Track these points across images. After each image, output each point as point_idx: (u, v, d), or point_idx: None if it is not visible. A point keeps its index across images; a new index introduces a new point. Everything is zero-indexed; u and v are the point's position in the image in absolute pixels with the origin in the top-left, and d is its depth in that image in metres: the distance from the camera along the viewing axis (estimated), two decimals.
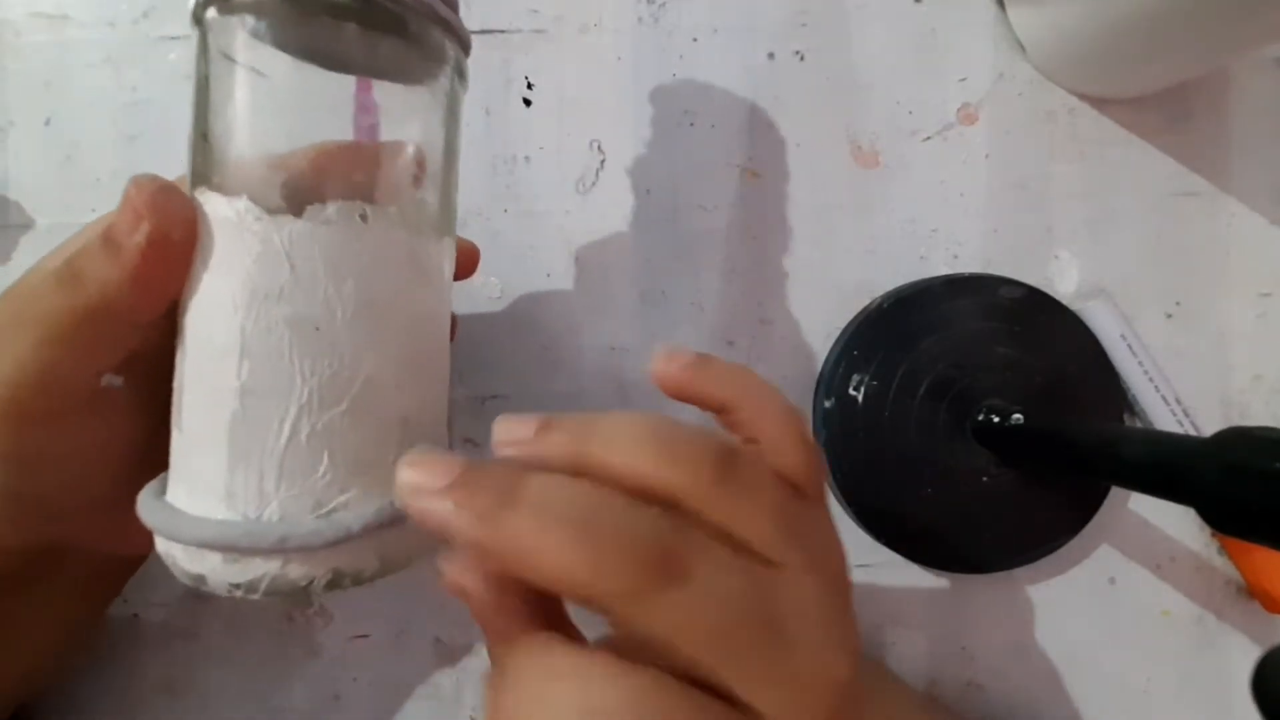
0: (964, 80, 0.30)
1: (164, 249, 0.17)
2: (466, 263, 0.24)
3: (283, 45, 0.17)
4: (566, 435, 0.15)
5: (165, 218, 0.17)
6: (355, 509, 0.17)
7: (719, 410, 0.18)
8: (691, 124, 0.30)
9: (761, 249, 0.30)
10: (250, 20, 0.17)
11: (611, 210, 0.30)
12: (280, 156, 0.18)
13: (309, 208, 0.17)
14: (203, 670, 0.28)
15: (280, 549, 0.16)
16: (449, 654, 0.29)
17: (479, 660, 0.29)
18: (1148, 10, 0.25)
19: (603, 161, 0.30)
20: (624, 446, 0.15)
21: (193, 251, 0.17)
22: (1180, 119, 0.31)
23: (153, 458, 0.20)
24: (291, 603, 0.18)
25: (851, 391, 0.28)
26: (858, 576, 0.30)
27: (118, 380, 0.19)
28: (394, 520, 0.17)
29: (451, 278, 0.21)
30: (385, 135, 0.19)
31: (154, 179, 0.17)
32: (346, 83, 0.18)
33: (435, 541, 0.16)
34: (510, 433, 0.16)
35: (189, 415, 0.17)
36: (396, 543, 0.18)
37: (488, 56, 0.29)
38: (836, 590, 0.17)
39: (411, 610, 0.29)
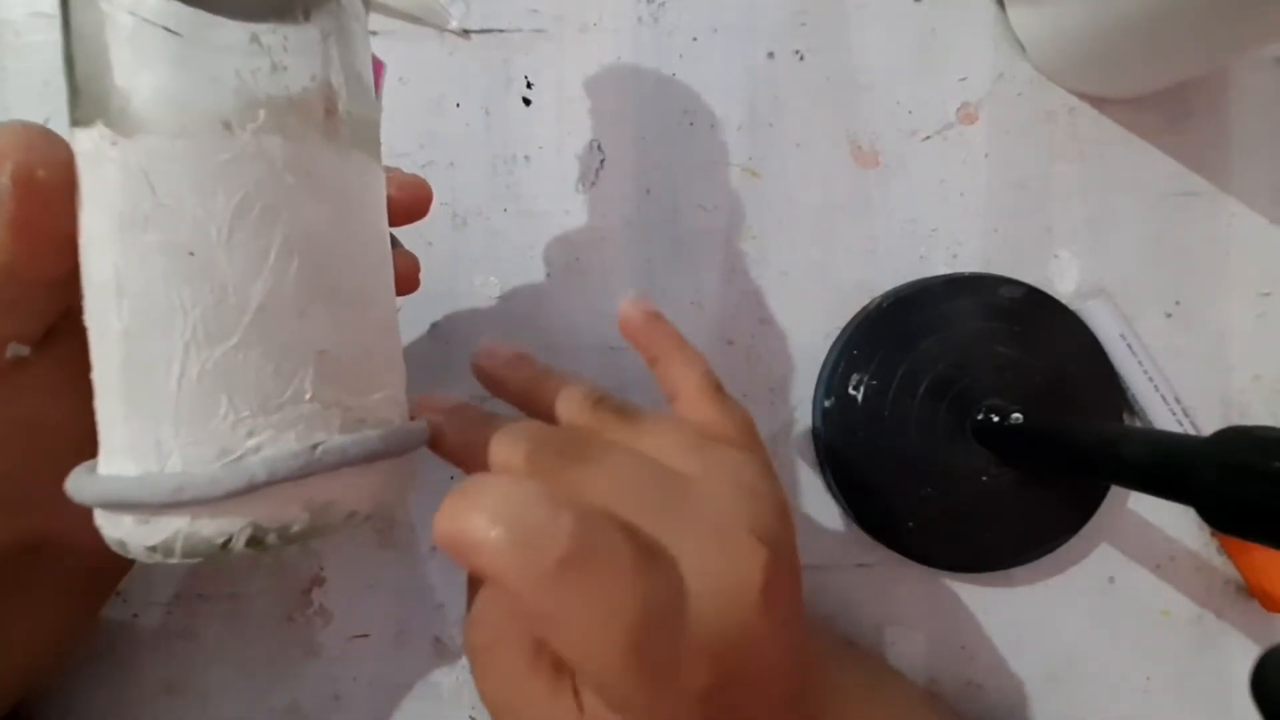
0: (964, 80, 0.30)
1: (36, 190, 0.15)
2: (416, 202, 0.22)
3: None
4: (526, 377, 0.23)
5: (30, 153, 0.15)
6: (268, 453, 0.15)
7: (650, 363, 0.22)
8: (691, 124, 0.30)
9: (761, 249, 0.30)
10: None
11: (611, 210, 0.30)
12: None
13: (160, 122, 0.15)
14: (203, 670, 0.28)
15: (179, 501, 0.15)
16: (449, 654, 0.29)
17: None
18: (1148, 10, 0.25)
19: (603, 161, 0.30)
20: (563, 399, 0.21)
21: (65, 192, 0.16)
22: (1180, 119, 0.31)
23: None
24: (216, 562, 0.16)
25: (851, 391, 0.28)
26: (858, 576, 0.30)
27: (24, 349, 0.18)
28: (316, 467, 0.16)
29: (380, 202, 0.19)
30: (286, 80, 0.16)
31: (23, 121, 0.16)
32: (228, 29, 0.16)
33: (375, 498, 0.17)
34: (491, 354, 0.23)
35: (95, 371, 0.16)
36: (327, 492, 0.16)
37: (488, 56, 0.29)
38: (754, 494, 0.19)
39: (411, 610, 0.29)
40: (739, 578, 0.17)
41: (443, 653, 0.29)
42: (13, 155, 0.15)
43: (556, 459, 0.18)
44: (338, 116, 0.17)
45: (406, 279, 0.23)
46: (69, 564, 0.23)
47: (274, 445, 0.15)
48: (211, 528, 0.15)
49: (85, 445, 0.18)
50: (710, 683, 0.16)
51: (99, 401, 0.16)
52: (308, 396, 0.15)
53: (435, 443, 0.20)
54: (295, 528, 0.16)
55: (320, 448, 0.16)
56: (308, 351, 0.16)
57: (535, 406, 0.22)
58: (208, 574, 0.28)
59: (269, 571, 0.29)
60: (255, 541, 0.15)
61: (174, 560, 0.15)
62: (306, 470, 0.15)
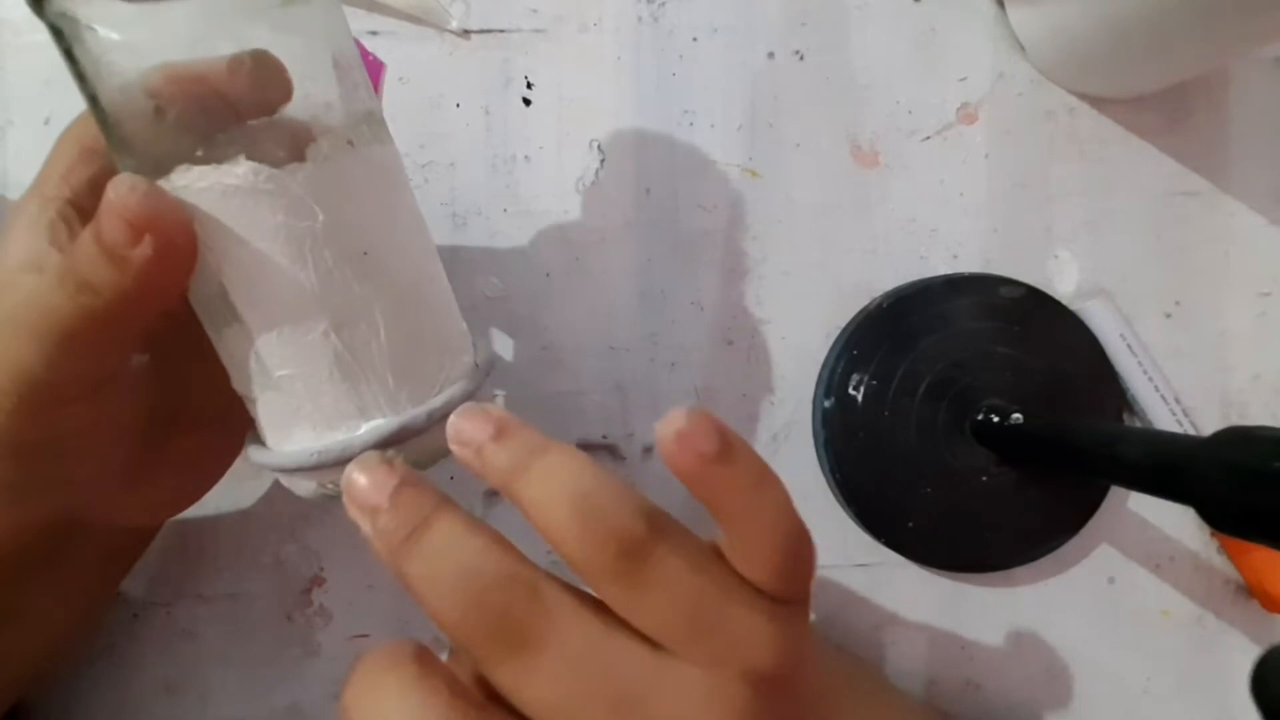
0: (964, 80, 0.30)
1: (169, 253, 0.17)
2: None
3: None
4: (508, 457, 0.16)
5: (166, 226, 0.16)
6: (460, 382, 0.20)
7: (716, 514, 0.17)
8: (691, 124, 0.30)
9: (761, 249, 0.30)
10: None
11: (611, 210, 0.30)
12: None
13: (308, 149, 0.17)
14: (203, 670, 0.28)
15: (430, 421, 0.19)
16: (449, 654, 0.29)
17: None
18: (1148, 10, 0.25)
19: (603, 161, 0.30)
20: (548, 498, 0.16)
21: (194, 246, 0.17)
22: (1180, 119, 0.31)
23: (155, 426, 0.21)
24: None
25: (851, 391, 0.28)
26: (858, 576, 0.30)
27: (144, 359, 0.20)
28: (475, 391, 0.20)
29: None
30: (360, 94, 0.19)
31: (133, 181, 0.16)
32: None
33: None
34: (465, 431, 0.16)
35: (283, 374, 0.18)
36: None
37: (488, 56, 0.29)
38: (752, 692, 0.15)
39: (411, 610, 0.29)
40: None
41: (442, 653, 0.29)
42: (150, 228, 0.16)
43: (490, 642, 0.15)
44: (379, 117, 0.20)
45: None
46: (95, 542, 0.23)
47: (453, 387, 0.20)
48: (440, 440, 0.18)
49: (137, 435, 0.21)
50: None
51: (297, 396, 0.19)
52: (460, 331, 0.20)
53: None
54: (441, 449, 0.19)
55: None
56: (446, 307, 0.21)
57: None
58: (208, 574, 0.28)
59: (269, 571, 0.29)
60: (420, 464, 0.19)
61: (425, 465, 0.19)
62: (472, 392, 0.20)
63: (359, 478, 0.16)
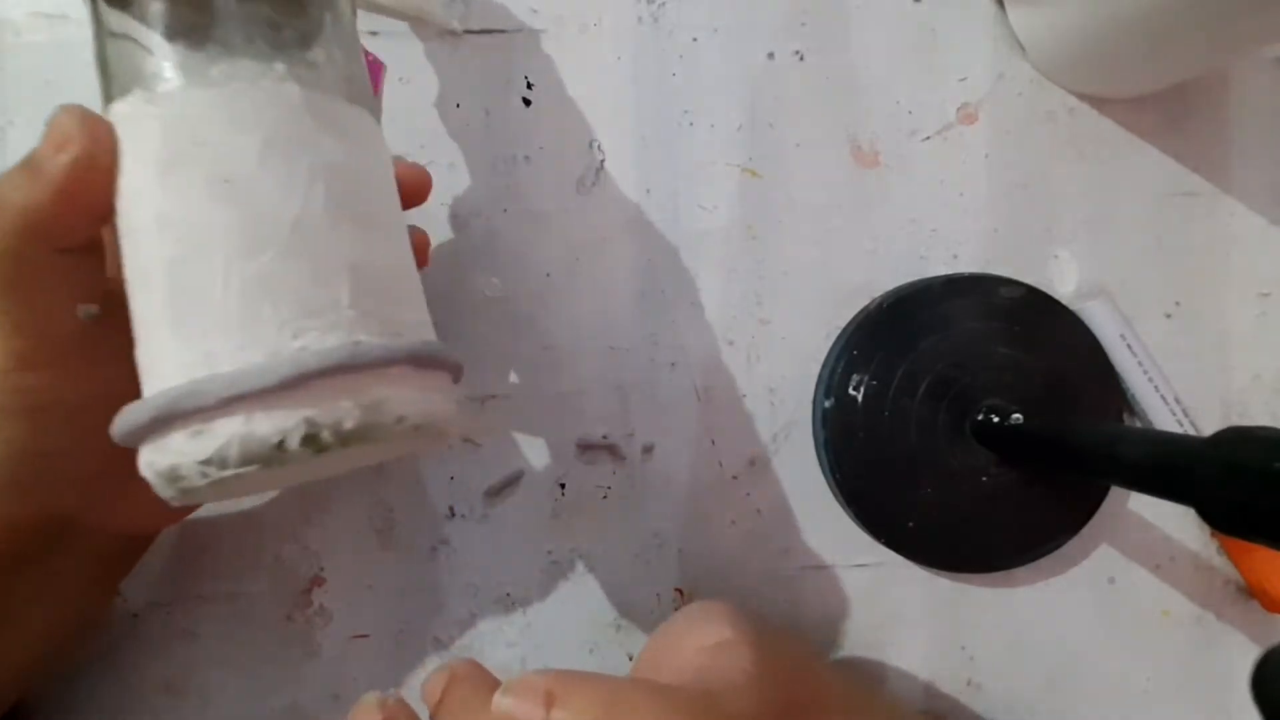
0: (964, 80, 0.30)
1: (88, 169, 0.17)
2: (417, 187, 0.24)
3: None
4: None
5: (93, 141, 0.17)
6: (314, 348, 0.16)
7: None
8: (691, 124, 0.30)
9: (761, 249, 0.30)
10: None
11: (611, 210, 0.30)
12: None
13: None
14: (203, 670, 0.28)
15: (234, 395, 0.15)
16: (449, 654, 0.29)
17: (479, 660, 0.29)
18: (1148, 10, 0.25)
19: (603, 161, 0.30)
20: None
21: (115, 173, 0.17)
22: (1180, 119, 0.31)
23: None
24: (273, 469, 0.16)
25: (851, 391, 0.28)
26: (858, 576, 0.30)
27: (93, 309, 0.20)
28: (361, 359, 0.16)
29: (385, 156, 0.21)
30: (297, 41, 0.19)
31: (82, 108, 0.17)
32: None
33: (422, 406, 0.18)
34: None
35: (138, 314, 0.17)
36: (375, 390, 0.17)
37: (488, 56, 0.29)
38: None
39: (411, 610, 0.29)
40: None
41: (443, 653, 0.29)
42: (80, 139, 0.17)
43: None
44: (339, 73, 0.19)
45: (418, 252, 0.24)
46: (91, 545, 0.23)
47: (319, 344, 0.16)
48: (267, 425, 0.15)
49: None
50: None
51: (142, 342, 0.17)
52: (345, 304, 0.17)
53: None
54: (348, 424, 0.16)
55: (362, 343, 0.17)
56: (341, 263, 0.17)
57: None
58: (208, 574, 0.28)
59: (269, 571, 0.29)
60: (311, 440, 0.16)
61: (228, 472, 0.15)
62: (352, 361, 0.16)
63: None
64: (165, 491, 0.17)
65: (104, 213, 0.18)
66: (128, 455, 0.20)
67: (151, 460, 0.16)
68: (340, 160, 0.18)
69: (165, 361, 0.17)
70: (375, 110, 0.21)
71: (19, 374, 0.19)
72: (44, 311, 0.19)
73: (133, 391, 0.18)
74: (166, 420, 0.16)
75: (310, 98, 0.18)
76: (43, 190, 0.17)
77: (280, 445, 0.16)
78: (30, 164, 0.18)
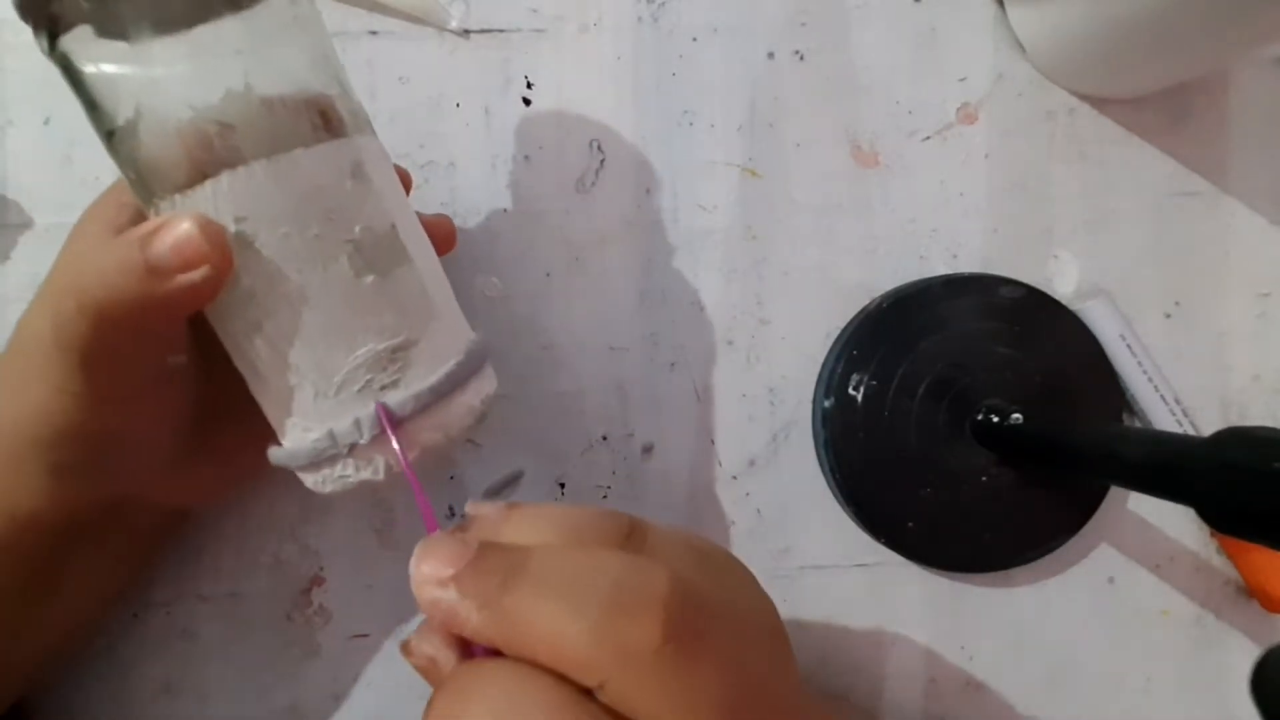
0: (964, 80, 0.30)
1: (205, 292, 0.18)
2: (446, 236, 0.25)
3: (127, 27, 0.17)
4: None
5: (219, 270, 0.17)
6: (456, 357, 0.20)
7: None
8: (691, 124, 0.30)
9: (761, 249, 0.30)
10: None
11: (611, 210, 0.30)
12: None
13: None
14: (203, 670, 0.28)
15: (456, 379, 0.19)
16: None
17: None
18: (1148, 10, 0.25)
19: (603, 161, 0.30)
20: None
21: (224, 280, 0.18)
22: (1180, 119, 0.31)
23: (203, 418, 0.23)
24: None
25: (851, 391, 0.28)
26: (858, 576, 0.30)
27: (181, 358, 0.21)
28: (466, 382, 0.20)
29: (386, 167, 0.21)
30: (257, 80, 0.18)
31: (214, 225, 0.17)
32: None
33: (491, 380, 0.22)
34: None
35: (256, 370, 0.19)
36: (474, 397, 0.21)
37: (487, 56, 0.29)
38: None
39: (411, 610, 0.29)
40: None
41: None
42: (211, 263, 0.17)
43: (642, 632, 0.14)
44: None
45: (446, 239, 0.25)
46: (139, 521, 0.25)
47: (421, 382, 0.19)
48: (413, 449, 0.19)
49: (186, 425, 0.22)
50: None
51: (270, 390, 0.19)
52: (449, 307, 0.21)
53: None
54: (470, 422, 0.20)
55: (459, 364, 0.20)
56: (412, 302, 0.20)
57: None
58: (208, 574, 0.28)
59: (269, 571, 0.29)
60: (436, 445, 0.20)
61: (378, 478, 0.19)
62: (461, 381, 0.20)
63: (422, 564, 0.16)
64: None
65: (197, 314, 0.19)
66: (185, 443, 0.22)
67: (339, 475, 0.19)
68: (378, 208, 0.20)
69: (305, 411, 0.19)
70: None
71: (112, 405, 0.20)
72: (125, 377, 0.20)
73: (185, 409, 0.22)
74: (322, 462, 0.19)
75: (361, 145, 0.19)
76: (153, 296, 0.17)
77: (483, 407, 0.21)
78: (153, 264, 0.17)
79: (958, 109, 0.30)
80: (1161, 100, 0.30)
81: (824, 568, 0.30)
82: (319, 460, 0.19)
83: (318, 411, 0.19)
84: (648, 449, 0.30)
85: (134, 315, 0.18)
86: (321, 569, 0.29)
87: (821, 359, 0.30)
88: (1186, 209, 0.31)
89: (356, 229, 0.19)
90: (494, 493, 0.29)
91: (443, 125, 0.29)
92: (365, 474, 0.19)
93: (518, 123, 0.29)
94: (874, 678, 0.30)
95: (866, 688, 0.30)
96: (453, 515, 0.29)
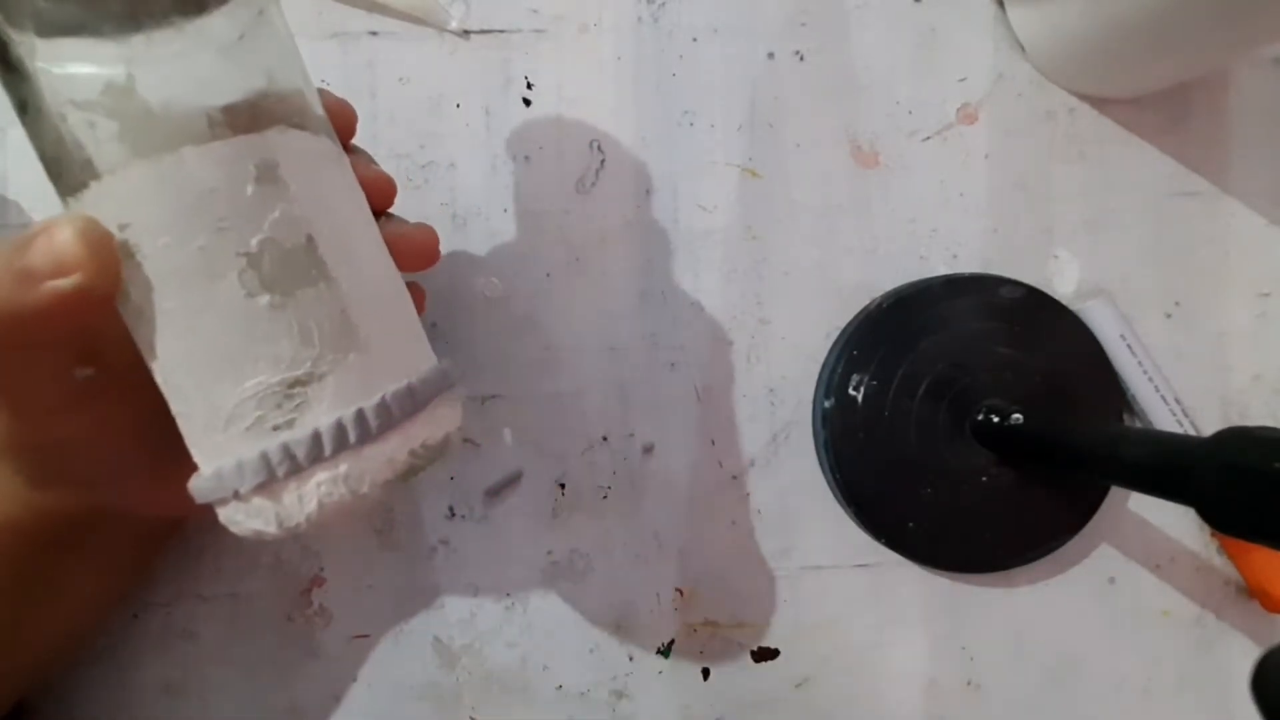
0: (964, 80, 0.30)
1: (85, 300, 0.16)
2: (427, 248, 0.23)
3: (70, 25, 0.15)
4: None
5: (98, 273, 0.16)
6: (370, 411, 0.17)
7: None
8: (691, 124, 0.30)
9: (761, 249, 0.30)
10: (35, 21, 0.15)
11: (611, 210, 0.30)
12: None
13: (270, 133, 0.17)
14: (203, 670, 0.28)
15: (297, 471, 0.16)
16: (449, 654, 0.29)
17: (479, 660, 0.29)
18: (1148, 10, 0.25)
19: (603, 161, 0.30)
20: None
21: (114, 291, 0.17)
22: (1180, 119, 0.31)
23: (166, 425, 0.20)
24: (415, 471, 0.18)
25: (851, 391, 0.28)
26: (858, 576, 0.30)
27: (88, 370, 0.20)
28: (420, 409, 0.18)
29: (335, 174, 0.19)
30: (201, 86, 0.17)
31: (90, 224, 0.16)
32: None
33: (455, 412, 0.20)
34: None
35: (166, 381, 0.18)
36: (441, 422, 0.19)
37: (487, 56, 0.29)
38: None
39: (411, 610, 0.29)
40: None
41: (443, 653, 0.29)
42: (85, 269, 0.16)
43: None
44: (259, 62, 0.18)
45: (423, 252, 0.23)
46: (128, 527, 0.25)
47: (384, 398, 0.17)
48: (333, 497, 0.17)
49: (146, 434, 0.20)
50: None
51: (183, 410, 0.17)
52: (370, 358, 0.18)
53: None
54: (418, 462, 0.18)
55: (416, 389, 0.18)
56: (336, 322, 0.18)
57: None
58: (208, 574, 0.28)
59: (269, 571, 0.29)
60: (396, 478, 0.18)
61: (305, 525, 0.17)
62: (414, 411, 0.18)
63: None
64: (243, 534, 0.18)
65: (95, 324, 0.17)
66: (144, 459, 0.21)
67: (232, 519, 0.17)
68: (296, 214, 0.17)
69: (216, 437, 0.17)
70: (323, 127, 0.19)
71: (22, 434, 0.20)
72: (33, 389, 0.19)
73: (139, 418, 0.19)
74: (243, 492, 0.17)
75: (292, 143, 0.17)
76: (31, 305, 0.16)
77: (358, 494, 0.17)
78: (22, 270, 0.16)
79: (958, 109, 0.30)
80: (1161, 100, 0.30)
81: (824, 568, 0.30)
82: (211, 499, 0.17)
83: (210, 445, 0.17)
84: (648, 449, 0.30)
85: (9, 324, 0.17)
86: (321, 569, 0.29)
87: (821, 359, 0.30)
88: (1186, 209, 0.31)
89: (254, 241, 0.16)
90: (493, 493, 0.29)
91: (443, 125, 0.29)
92: (256, 523, 0.17)
93: (518, 123, 0.29)
94: (874, 678, 0.30)
95: (867, 687, 0.30)
96: (453, 515, 0.29)
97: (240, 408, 0.16)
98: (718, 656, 0.30)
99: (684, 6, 0.30)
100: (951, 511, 0.28)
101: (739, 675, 0.30)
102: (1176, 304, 0.31)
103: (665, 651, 0.29)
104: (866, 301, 0.30)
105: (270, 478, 0.16)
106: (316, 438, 0.16)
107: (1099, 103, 0.31)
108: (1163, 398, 0.29)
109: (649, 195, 0.30)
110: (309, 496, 0.16)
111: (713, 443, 0.30)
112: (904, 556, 0.29)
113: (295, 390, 0.16)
